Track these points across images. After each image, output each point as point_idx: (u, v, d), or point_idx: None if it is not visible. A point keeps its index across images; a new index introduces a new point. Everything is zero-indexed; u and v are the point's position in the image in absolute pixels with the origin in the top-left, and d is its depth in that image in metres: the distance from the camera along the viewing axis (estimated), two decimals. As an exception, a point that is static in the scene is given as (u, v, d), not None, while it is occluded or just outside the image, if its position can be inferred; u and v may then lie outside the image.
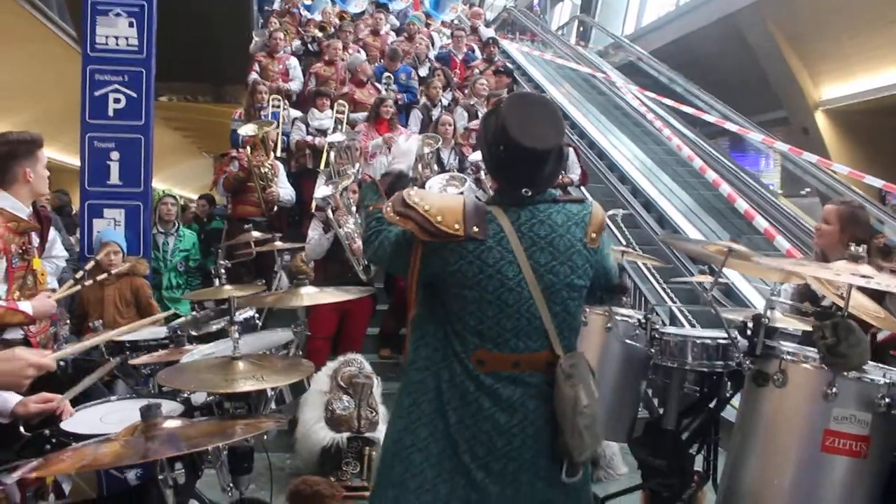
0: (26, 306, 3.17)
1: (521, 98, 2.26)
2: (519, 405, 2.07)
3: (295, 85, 8.77)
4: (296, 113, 8.19)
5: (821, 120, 13.19)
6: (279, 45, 8.93)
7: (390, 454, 2.16)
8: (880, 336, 3.00)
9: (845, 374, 2.21)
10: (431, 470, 2.08)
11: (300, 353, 3.20)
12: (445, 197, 2.26)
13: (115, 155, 5.72)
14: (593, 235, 2.15)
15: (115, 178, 5.69)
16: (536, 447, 2.08)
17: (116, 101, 5.79)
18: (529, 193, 2.11)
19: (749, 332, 2.46)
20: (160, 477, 1.86)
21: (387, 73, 8.97)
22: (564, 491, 2.13)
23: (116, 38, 5.83)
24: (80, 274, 3.90)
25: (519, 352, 2.07)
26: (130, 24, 5.86)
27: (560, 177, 6.92)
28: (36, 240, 3.45)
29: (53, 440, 2.41)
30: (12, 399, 2.29)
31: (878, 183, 7.86)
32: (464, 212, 2.05)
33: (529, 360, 2.08)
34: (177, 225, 6.47)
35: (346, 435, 4.41)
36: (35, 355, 2.00)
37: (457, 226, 2.03)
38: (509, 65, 10.92)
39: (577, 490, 2.16)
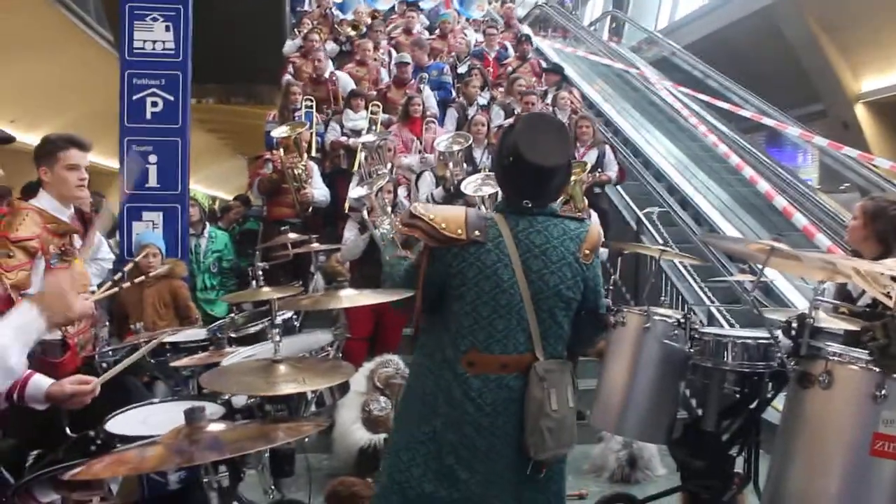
0: None
1: (537, 117, 2.53)
2: (502, 409, 2.23)
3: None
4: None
5: (861, 113, 12.92)
6: (314, 46, 8.92)
7: (388, 450, 2.42)
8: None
9: None
10: (417, 469, 2.25)
11: (339, 355, 3.21)
12: (449, 208, 2.50)
13: (152, 158, 5.78)
14: (587, 252, 2.31)
15: (153, 180, 5.75)
16: (517, 446, 2.24)
17: (154, 104, 5.84)
18: (530, 205, 2.29)
19: (793, 333, 2.41)
20: (205, 480, 1.87)
21: (423, 73, 8.94)
22: (537, 488, 2.30)
23: (153, 42, 5.89)
24: (118, 276, 3.95)
25: (507, 353, 2.24)
26: (167, 29, 5.91)
27: (598, 174, 6.92)
28: (78, 242, 3.50)
29: (98, 441, 2.45)
30: (44, 382, 2.31)
31: (921, 177, 7.69)
32: (466, 219, 2.25)
33: (516, 363, 2.24)
34: (205, 225, 6.52)
35: (383, 436, 4.42)
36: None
37: (459, 231, 2.22)
38: (543, 63, 10.82)
39: (547, 489, 2.32)
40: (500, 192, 5.61)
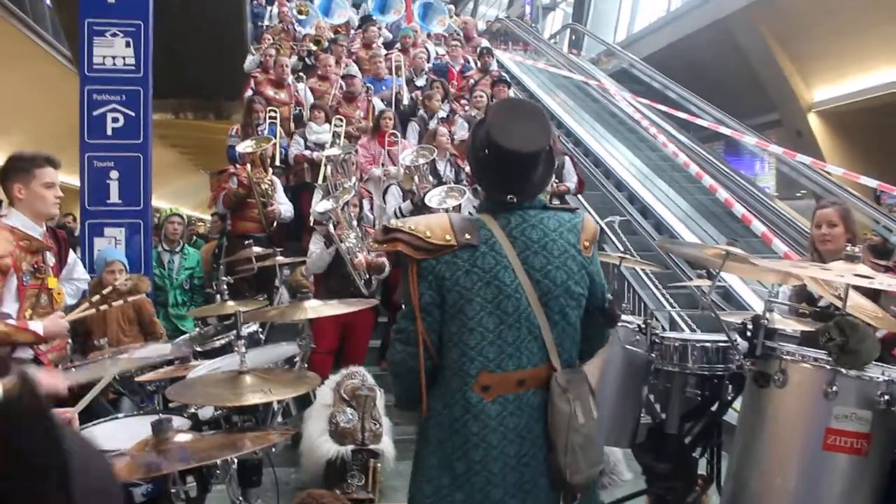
0: (37, 326, 3.20)
1: (506, 103, 2.25)
2: (526, 432, 1.99)
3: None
4: None
5: (814, 121, 13.27)
6: (270, 61, 8.93)
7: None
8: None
9: (846, 372, 2.23)
10: None
11: (305, 366, 3.22)
12: (427, 216, 2.15)
13: (114, 174, 5.75)
14: (586, 243, 2.08)
15: (114, 196, 5.71)
16: (548, 475, 2.00)
17: (115, 120, 5.82)
18: (514, 200, 2.04)
19: (749, 334, 2.49)
20: (172, 490, 1.88)
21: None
22: None
23: (113, 58, 5.87)
24: (95, 297, 3.91)
25: (522, 367, 1.99)
26: (127, 44, 5.89)
27: (556, 185, 6.99)
28: (52, 260, 3.46)
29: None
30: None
31: (872, 183, 7.91)
32: (451, 224, 2.02)
33: (533, 377, 2.00)
34: (181, 244, 6.47)
35: (350, 447, 4.42)
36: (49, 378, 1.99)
37: (448, 237, 1.98)
38: (504, 75, 10.95)
39: None
40: (470, 200, 5.71)
